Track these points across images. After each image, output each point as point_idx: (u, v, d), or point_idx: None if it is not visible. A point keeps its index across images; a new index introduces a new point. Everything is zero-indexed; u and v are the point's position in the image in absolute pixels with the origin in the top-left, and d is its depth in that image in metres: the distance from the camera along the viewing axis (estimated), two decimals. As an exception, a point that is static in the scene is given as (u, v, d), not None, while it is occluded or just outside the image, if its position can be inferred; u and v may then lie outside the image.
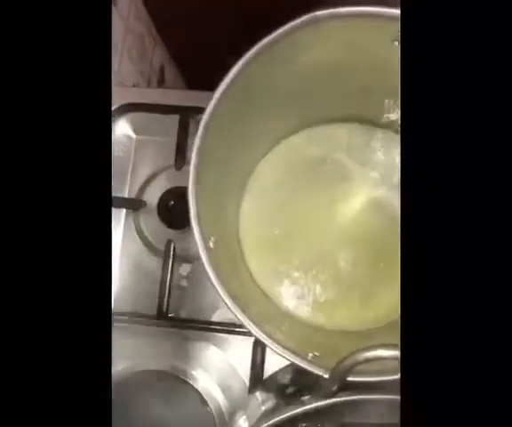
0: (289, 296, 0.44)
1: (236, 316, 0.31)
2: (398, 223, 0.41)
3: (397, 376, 0.30)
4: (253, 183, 0.46)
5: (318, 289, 0.44)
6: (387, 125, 0.44)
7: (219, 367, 0.49)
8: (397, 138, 0.44)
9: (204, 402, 0.47)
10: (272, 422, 0.30)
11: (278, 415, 0.30)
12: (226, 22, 0.65)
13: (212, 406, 0.48)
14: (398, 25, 0.33)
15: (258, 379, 0.46)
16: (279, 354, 0.31)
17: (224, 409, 0.48)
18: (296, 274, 0.45)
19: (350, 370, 0.28)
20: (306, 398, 0.31)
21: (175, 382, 0.48)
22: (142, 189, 0.50)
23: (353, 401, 0.29)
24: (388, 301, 0.44)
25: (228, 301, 0.31)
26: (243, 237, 0.45)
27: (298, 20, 0.32)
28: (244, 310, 0.31)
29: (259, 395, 0.39)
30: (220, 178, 0.38)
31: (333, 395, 0.29)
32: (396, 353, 0.27)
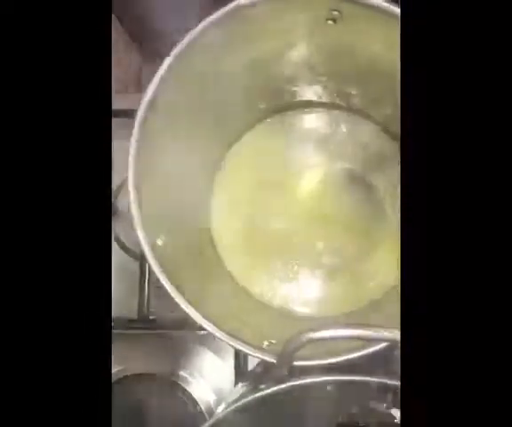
0: (264, 286, 0.44)
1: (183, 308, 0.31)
2: (366, 197, 0.42)
3: (347, 356, 0.30)
4: (222, 176, 0.46)
5: (293, 277, 0.44)
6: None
7: (206, 365, 0.49)
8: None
9: (195, 402, 0.48)
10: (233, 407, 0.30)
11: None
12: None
13: (202, 406, 0.48)
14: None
15: (242, 371, 0.46)
16: (230, 344, 0.31)
17: (215, 408, 0.48)
18: (271, 263, 0.44)
19: (295, 353, 0.28)
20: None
21: (164, 385, 0.48)
22: (116, 193, 0.51)
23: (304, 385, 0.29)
24: (366, 279, 0.43)
25: (173, 294, 0.31)
26: (215, 231, 0.45)
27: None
28: (191, 303, 0.31)
29: (240, 386, 0.39)
30: (176, 174, 0.38)
31: (285, 380, 0.29)
32: (341, 332, 0.27)
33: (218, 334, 0.31)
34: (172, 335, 0.49)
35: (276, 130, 0.45)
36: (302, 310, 0.42)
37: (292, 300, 0.43)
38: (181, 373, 0.48)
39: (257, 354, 0.30)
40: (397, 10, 0.31)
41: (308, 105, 0.45)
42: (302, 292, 0.44)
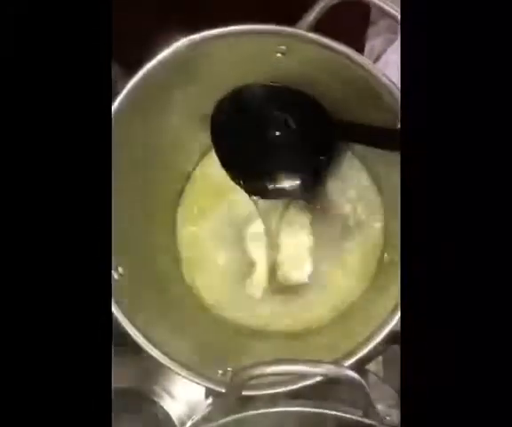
0: (233, 303, 0.45)
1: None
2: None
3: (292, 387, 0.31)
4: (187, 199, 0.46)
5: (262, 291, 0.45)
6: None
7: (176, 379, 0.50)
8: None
9: (167, 415, 0.48)
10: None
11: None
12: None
13: (174, 418, 0.49)
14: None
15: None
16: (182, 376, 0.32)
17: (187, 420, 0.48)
18: (240, 277, 0.45)
19: (244, 385, 0.29)
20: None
21: (140, 400, 0.49)
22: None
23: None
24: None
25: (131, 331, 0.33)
26: (182, 253, 0.46)
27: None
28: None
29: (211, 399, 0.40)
30: (138, 205, 0.39)
31: (234, 410, 0.30)
32: (281, 368, 0.28)
33: (170, 365, 0.32)
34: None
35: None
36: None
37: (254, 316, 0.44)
38: (153, 386, 0.49)
39: (207, 384, 0.32)
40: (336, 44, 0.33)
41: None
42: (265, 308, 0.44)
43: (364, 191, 0.44)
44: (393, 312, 0.32)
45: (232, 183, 0.41)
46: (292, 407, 0.30)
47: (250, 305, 0.44)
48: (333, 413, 0.28)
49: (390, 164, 0.32)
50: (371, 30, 0.48)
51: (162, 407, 0.48)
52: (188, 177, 0.46)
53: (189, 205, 0.46)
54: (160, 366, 0.34)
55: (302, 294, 0.44)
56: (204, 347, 0.38)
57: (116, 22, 0.25)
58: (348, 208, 0.44)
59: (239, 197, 0.44)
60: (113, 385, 0.46)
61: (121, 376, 0.49)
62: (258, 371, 0.28)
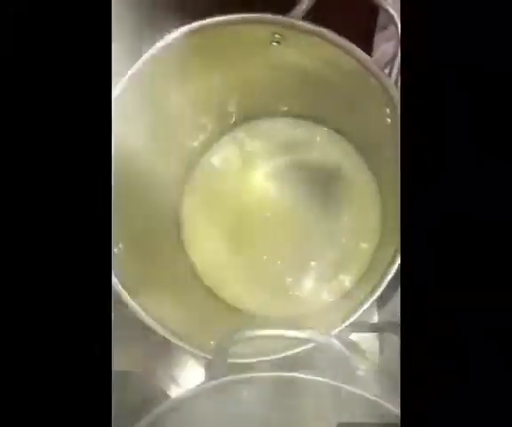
0: (232, 287, 0.47)
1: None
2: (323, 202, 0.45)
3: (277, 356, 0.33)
4: (194, 177, 0.49)
5: (259, 276, 0.47)
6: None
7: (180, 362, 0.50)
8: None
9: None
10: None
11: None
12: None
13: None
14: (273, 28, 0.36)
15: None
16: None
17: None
18: (240, 262, 0.47)
19: (229, 349, 0.31)
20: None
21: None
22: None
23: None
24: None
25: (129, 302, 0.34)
26: (185, 231, 0.48)
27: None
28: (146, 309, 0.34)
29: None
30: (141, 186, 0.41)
31: (220, 376, 0.32)
32: (271, 332, 0.30)
33: (162, 332, 0.34)
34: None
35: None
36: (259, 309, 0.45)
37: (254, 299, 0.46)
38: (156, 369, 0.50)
39: (196, 351, 0.33)
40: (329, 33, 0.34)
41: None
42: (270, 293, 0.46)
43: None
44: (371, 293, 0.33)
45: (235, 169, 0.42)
46: (269, 373, 0.31)
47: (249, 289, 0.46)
48: (311, 378, 0.29)
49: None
50: (380, 35, 0.48)
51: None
52: (191, 162, 0.48)
53: (193, 189, 0.48)
54: (160, 343, 0.35)
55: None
56: (201, 322, 0.39)
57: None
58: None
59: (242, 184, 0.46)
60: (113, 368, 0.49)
61: (122, 358, 0.50)
62: (242, 335, 0.30)
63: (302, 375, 0.29)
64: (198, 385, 0.31)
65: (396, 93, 0.34)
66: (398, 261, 0.33)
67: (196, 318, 0.40)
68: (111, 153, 0.25)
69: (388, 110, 0.34)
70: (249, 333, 0.30)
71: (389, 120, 0.35)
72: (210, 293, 0.46)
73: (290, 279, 0.46)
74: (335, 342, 0.29)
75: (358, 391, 0.29)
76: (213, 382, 0.31)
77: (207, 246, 0.47)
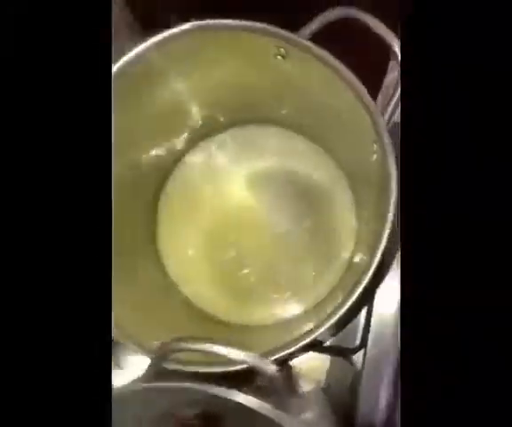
0: (207, 296, 0.46)
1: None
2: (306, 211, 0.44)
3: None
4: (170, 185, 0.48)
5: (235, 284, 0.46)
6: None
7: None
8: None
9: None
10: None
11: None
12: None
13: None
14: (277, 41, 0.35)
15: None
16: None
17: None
18: (215, 270, 0.47)
19: (167, 356, 0.30)
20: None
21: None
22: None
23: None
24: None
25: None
26: (160, 238, 0.47)
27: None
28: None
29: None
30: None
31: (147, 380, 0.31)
32: (203, 346, 0.29)
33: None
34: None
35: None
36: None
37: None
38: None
39: (139, 349, 0.33)
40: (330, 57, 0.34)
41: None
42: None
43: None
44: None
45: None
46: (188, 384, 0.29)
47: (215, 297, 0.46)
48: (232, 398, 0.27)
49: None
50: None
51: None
52: (167, 170, 0.47)
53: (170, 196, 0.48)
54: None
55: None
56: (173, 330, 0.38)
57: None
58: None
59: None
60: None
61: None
62: (181, 345, 0.29)
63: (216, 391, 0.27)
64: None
65: (386, 135, 0.33)
66: (367, 279, 0.32)
67: (168, 327, 0.39)
68: (111, 153, 0.25)
69: (375, 146, 0.33)
70: (182, 345, 0.29)
71: (375, 157, 0.34)
72: (185, 302, 0.46)
73: (265, 289, 0.46)
74: (270, 367, 0.28)
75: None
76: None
77: (182, 256, 0.47)
